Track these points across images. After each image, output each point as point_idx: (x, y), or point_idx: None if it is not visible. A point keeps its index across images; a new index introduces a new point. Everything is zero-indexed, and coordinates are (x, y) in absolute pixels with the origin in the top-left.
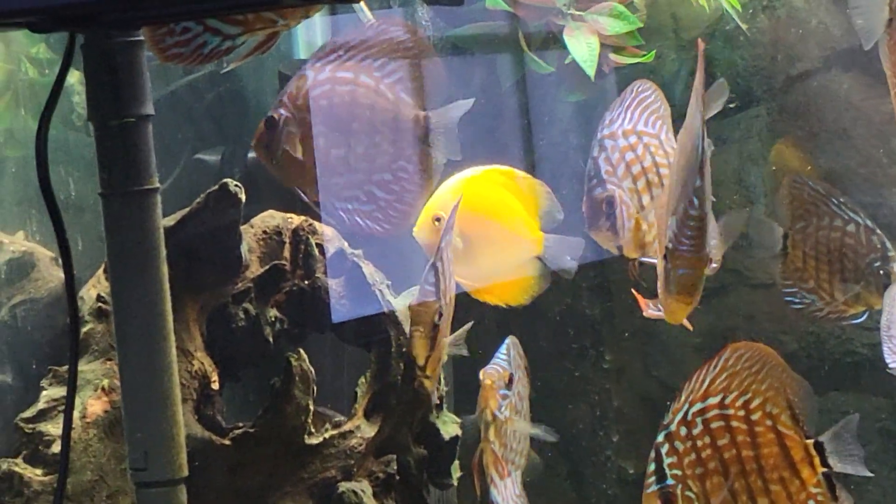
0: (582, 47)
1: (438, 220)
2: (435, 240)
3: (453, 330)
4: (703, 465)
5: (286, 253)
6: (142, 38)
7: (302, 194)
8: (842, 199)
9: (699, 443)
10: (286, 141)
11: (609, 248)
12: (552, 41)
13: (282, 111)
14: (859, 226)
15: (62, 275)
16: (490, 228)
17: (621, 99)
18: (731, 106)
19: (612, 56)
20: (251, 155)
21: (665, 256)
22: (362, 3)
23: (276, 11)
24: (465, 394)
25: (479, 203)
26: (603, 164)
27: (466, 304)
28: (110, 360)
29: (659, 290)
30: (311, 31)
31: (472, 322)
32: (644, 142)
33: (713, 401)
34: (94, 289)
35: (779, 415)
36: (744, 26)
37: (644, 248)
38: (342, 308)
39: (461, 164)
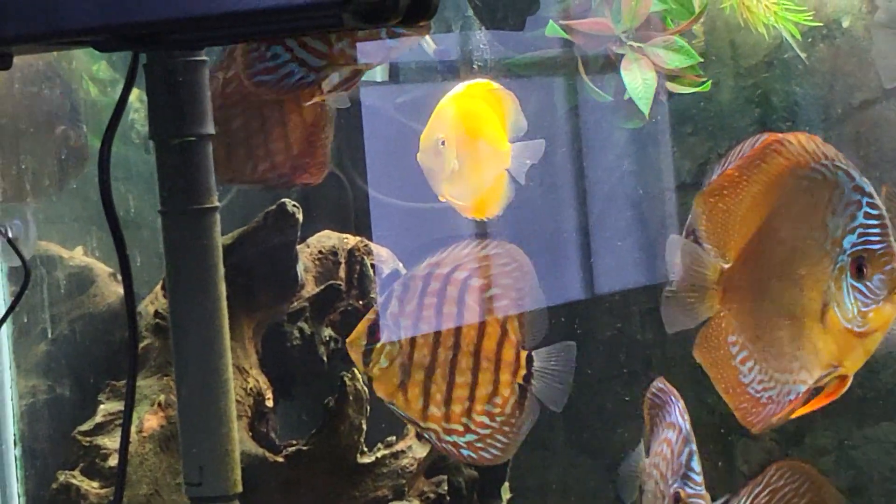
0: (638, 82)
1: (443, 142)
2: (439, 164)
3: None
4: None
5: (341, 273)
6: (204, 57)
7: None
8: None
9: None
10: None
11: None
12: (610, 67)
13: None
14: None
15: (120, 290)
16: (477, 146)
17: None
18: None
19: (669, 84)
20: None
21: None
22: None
23: (356, 48)
24: None
25: (468, 122)
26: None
27: None
28: (167, 375)
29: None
30: None
31: None
32: None
33: None
34: (152, 305)
35: None
36: (803, 55)
37: None
38: None
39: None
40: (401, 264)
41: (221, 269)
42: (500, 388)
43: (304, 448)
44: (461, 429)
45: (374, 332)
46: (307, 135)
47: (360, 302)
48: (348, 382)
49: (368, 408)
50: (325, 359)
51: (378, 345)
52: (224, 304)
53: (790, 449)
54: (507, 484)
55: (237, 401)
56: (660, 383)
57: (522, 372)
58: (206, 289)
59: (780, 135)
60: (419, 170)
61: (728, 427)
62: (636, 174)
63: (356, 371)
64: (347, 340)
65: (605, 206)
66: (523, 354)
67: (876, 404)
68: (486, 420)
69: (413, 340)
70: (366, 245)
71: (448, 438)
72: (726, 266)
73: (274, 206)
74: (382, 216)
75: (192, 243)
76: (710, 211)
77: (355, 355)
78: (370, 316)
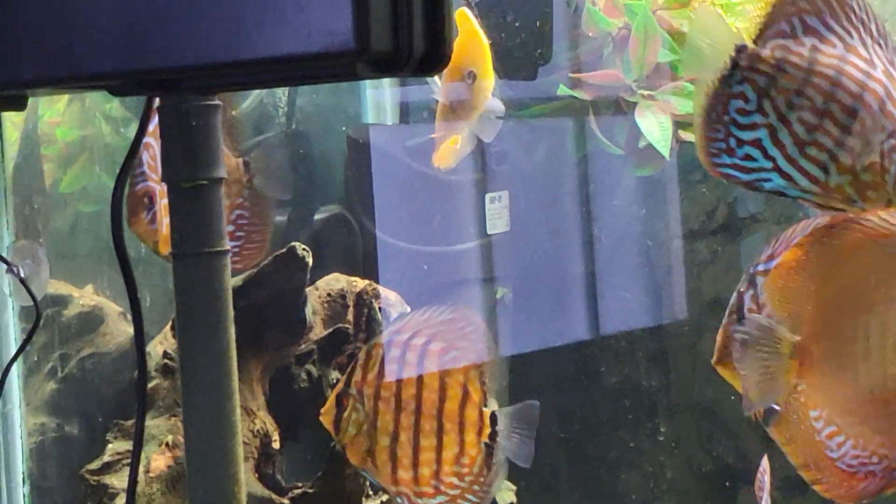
0: (654, 128)
1: (473, 76)
2: (465, 100)
3: None
4: None
5: (350, 316)
6: (217, 102)
7: None
8: None
9: None
10: None
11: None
12: (621, 115)
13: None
14: None
15: (130, 330)
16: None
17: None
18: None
19: (681, 132)
20: (318, 216)
21: None
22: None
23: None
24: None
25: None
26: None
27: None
28: (175, 416)
29: None
30: (380, 93)
31: None
32: None
33: None
34: (161, 345)
35: None
36: None
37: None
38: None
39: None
40: (409, 308)
41: (231, 312)
42: (467, 449)
43: (310, 490)
44: (431, 491)
45: (341, 401)
46: (234, 219)
47: None
48: None
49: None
50: None
51: (345, 413)
52: (233, 346)
53: (793, 498)
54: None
55: (244, 442)
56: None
57: (487, 430)
58: (216, 331)
59: (848, 215)
60: (428, 213)
61: (733, 477)
62: (645, 221)
63: None
64: (321, 411)
65: (613, 251)
66: (486, 413)
67: None
68: (455, 481)
69: (377, 408)
70: (374, 288)
71: (419, 501)
72: (799, 339)
73: (284, 249)
74: (391, 259)
75: (203, 286)
76: (780, 289)
77: (328, 425)
78: (338, 386)
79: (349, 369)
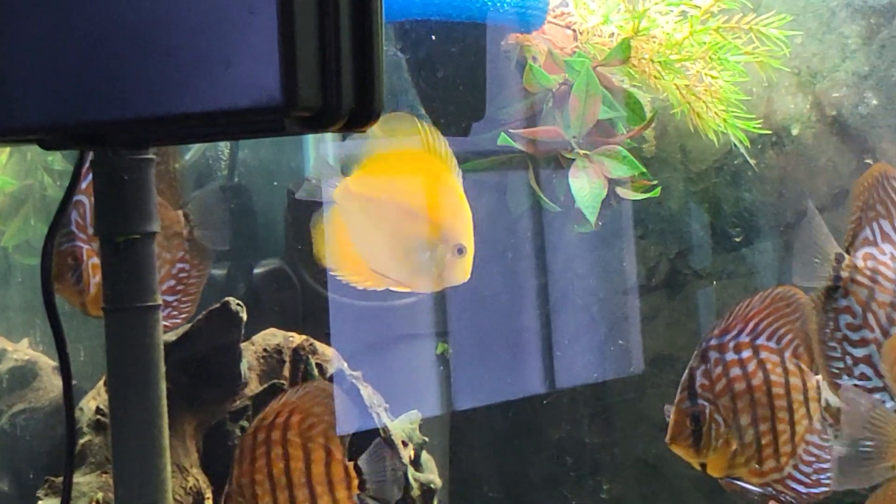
0: (585, 191)
1: (462, 251)
2: (451, 272)
3: None
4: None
5: (286, 371)
6: (151, 156)
7: None
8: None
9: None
10: None
11: (691, 461)
12: (561, 170)
13: None
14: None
15: None
16: None
17: (747, 304)
18: (738, 240)
19: (619, 189)
20: (257, 270)
21: None
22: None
23: None
24: (463, 494)
25: None
26: (699, 378)
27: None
28: (106, 472)
29: None
30: (323, 147)
31: None
32: (760, 357)
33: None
34: (94, 401)
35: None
36: (752, 161)
37: (733, 468)
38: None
39: None
40: (345, 364)
41: (162, 367)
42: None
43: None
44: None
45: (228, 499)
46: (175, 273)
47: None
48: None
49: None
50: None
51: None
52: (164, 402)
53: None
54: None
55: (177, 500)
56: None
57: (355, 482)
58: (147, 386)
59: None
60: None
61: None
62: (587, 276)
63: None
64: None
65: (555, 307)
66: (351, 466)
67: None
68: None
69: (255, 494)
70: (311, 344)
71: None
72: None
73: (218, 305)
74: (332, 314)
75: (134, 341)
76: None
77: None
78: (225, 488)
79: (230, 470)
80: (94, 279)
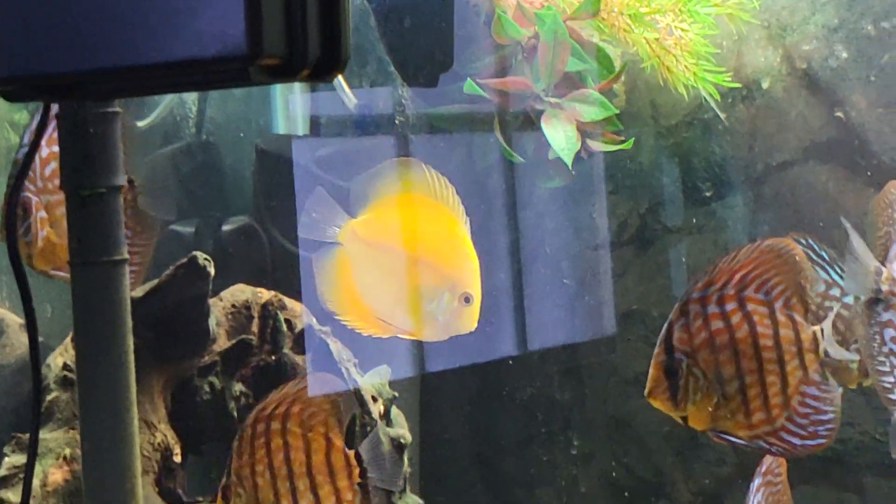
0: (560, 136)
1: (469, 299)
2: (456, 321)
3: None
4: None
5: (254, 327)
6: (117, 109)
7: None
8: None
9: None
10: None
11: (671, 414)
12: (530, 126)
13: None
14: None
15: None
16: None
17: (732, 256)
18: (708, 195)
19: (590, 142)
20: (226, 227)
21: None
22: (341, 79)
23: None
24: (433, 475)
25: None
26: (677, 332)
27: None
28: (73, 429)
29: None
30: (292, 105)
31: None
32: (747, 310)
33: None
34: (61, 357)
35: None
36: (722, 115)
37: (717, 420)
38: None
39: None
40: (314, 319)
41: (129, 322)
42: (343, 495)
43: None
44: None
45: (225, 493)
46: None
47: (273, 357)
48: None
49: None
50: (235, 414)
51: (231, 501)
52: (131, 357)
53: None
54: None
55: (144, 456)
56: None
57: (356, 471)
58: (113, 342)
59: None
60: None
61: (646, 489)
62: (556, 233)
63: None
64: None
65: (524, 265)
66: (352, 454)
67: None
68: None
69: (255, 485)
70: (280, 300)
71: None
72: None
73: (185, 259)
74: (300, 270)
75: (101, 295)
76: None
77: None
78: (222, 481)
79: (227, 460)
80: (42, 232)
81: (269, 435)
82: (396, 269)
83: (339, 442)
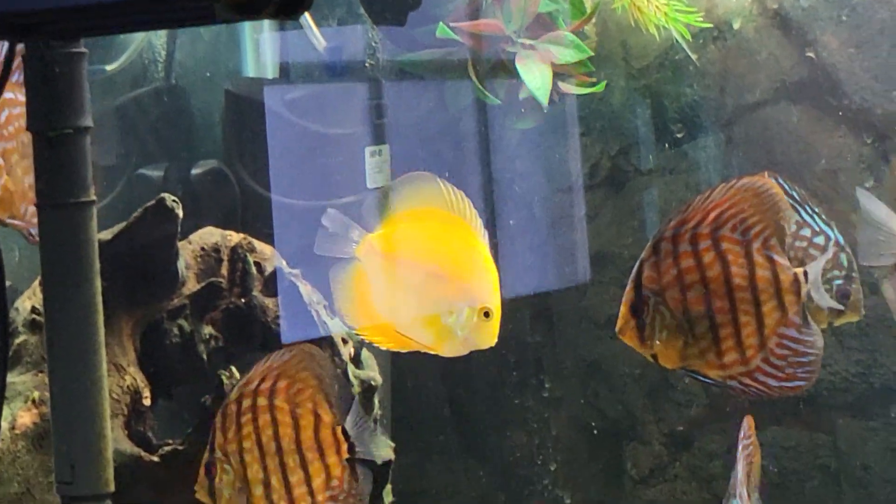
0: (534, 75)
1: (488, 314)
2: (473, 337)
3: None
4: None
5: (224, 270)
6: (83, 50)
7: None
8: (816, 210)
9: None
10: None
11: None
12: (503, 68)
13: None
14: (829, 240)
15: None
16: None
17: (707, 195)
18: (679, 136)
19: (562, 85)
20: (195, 171)
21: None
22: (308, 18)
23: None
24: (405, 418)
25: None
26: (647, 270)
27: None
28: (42, 372)
29: None
30: (261, 48)
31: None
32: (721, 249)
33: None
34: (30, 300)
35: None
36: (693, 56)
37: (687, 359)
38: (278, 327)
39: None
40: (284, 262)
41: (97, 265)
42: (332, 470)
43: (181, 448)
44: None
45: (209, 469)
46: None
47: (242, 300)
48: (225, 380)
49: None
50: (204, 357)
51: (216, 480)
52: (99, 299)
53: (680, 452)
54: (389, 487)
55: (114, 399)
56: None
57: (344, 447)
58: (81, 284)
59: None
60: (308, 167)
61: (617, 431)
62: (528, 176)
63: (233, 369)
64: (195, 488)
65: (496, 206)
66: (339, 430)
67: (764, 409)
68: None
69: (242, 462)
70: (249, 242)
71: None
72: None
73: (153, 201)
74: (270, 213)
75: (68, 237)
76: None
77: (204, 498)
78: (204, 456)
79: (210, 436)
80: (0, 179)
81: (255, 411)
82: (415, 283)
83: (327, 417)
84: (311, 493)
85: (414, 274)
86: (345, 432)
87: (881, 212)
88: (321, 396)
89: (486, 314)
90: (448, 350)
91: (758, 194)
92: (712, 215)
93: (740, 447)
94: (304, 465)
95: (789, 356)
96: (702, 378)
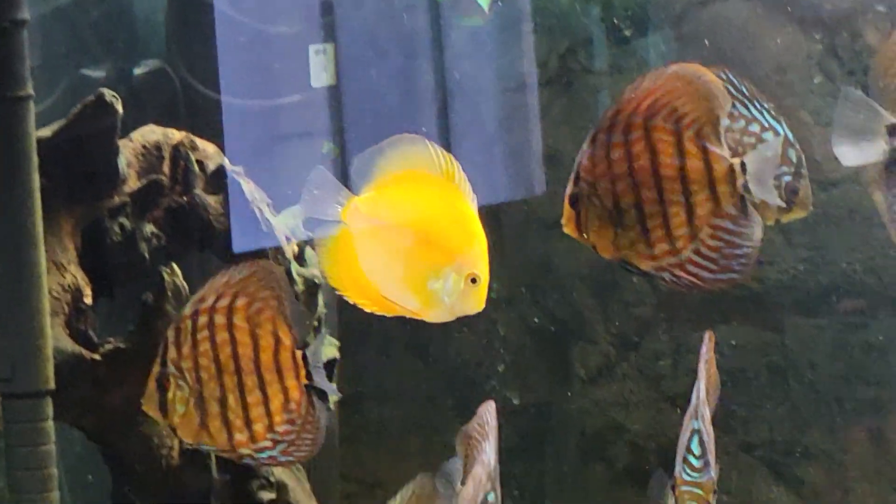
0: None
1: (475, 280)
2: (463, 303)
3: None
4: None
5: (165, 168)
6: None
7: None
8: (766, 105)
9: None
10: None
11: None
12: None
13: None
14: (778, 135)
15: None
16: None
17: (639, 81)
18: (628, 34)
19: None
20: (137, 71)
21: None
22: None
23: None
24: (350, 319)
25: None
26: (583, 161)
27: None
28: None
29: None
30: None
31: None
32: (651, 139)
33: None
34: None
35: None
36: None
37: (619, 250)
38: (220, 225)
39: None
40: (227, 160)
41: (35, 159)
42: (291, 394)
43: (122, 346)
44: (270, 444)
45: (161, 383)
46: None
47: (184, 198)
48: (167, 277)
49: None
50: (146, 255)
51: (169, 395)
52: (37, 195)
53: (628, 352)
54: (334, 385)
55: (54, 297)
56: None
57: (303, 371)
58: (18, 178)
59: None
60: (251, 66)
61: (566, 332)
62: (476, 73)
63: (175, 266)
64: (142, 401)
65: (444, 105)
66: (299, 355)
67: (713, 306)
68: (288, 427)
69: (199, 378)
70: (191, 140)
71: (262, 456)
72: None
73: (92, 97)
74: (214, 112)
75: (6, 131)
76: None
77: (153, 412)
78: (154, 369)
79: (161, 349)
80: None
81: (213, 328)
82: (401, 247)
83: (287, 340)
84: (269, 413)
85: (400, 238)
86: (304, 358)
87: (864, 107)
88: (281, 318)
89: (474, 280)
90: (434, 316)
91: (690, 82)
92: (645, 104)
93: (701, 363)
94: (262, 387)
95: (723, 247)
96: (635, 270)
